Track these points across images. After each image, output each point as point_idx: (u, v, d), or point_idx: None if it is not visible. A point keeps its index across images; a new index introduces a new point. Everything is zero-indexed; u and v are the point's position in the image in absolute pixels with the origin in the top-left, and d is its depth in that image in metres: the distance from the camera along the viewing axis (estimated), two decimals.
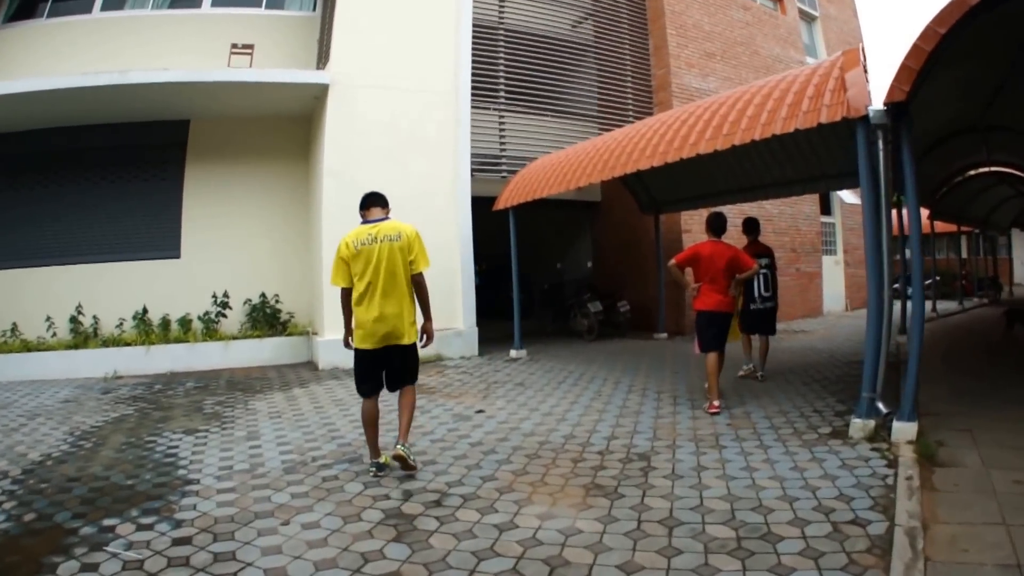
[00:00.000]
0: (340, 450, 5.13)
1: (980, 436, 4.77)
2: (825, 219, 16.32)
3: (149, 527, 3.66)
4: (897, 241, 7.75)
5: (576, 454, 4.86)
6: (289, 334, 10.07)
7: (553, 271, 15.10)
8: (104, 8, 10.25)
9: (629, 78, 12.74)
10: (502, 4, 11.29)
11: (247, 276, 10.20)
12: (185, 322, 9.83)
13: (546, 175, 9.03)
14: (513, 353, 9.95)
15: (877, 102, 4.76)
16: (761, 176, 9.55)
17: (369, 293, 4.41)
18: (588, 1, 12.44)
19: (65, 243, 9.82)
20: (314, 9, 11.05)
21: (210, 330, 9.82)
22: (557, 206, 12.83)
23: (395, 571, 3.09)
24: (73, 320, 9.50)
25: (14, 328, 9.36)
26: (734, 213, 10.32)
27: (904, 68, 4.50)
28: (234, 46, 9.75)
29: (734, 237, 7.26)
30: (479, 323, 10.36)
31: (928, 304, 13.41)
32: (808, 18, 16.78)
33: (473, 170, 10.43)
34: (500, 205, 10.17)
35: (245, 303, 10.14)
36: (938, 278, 17.10)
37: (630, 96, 12.70)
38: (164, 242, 10.04)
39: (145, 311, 9.73)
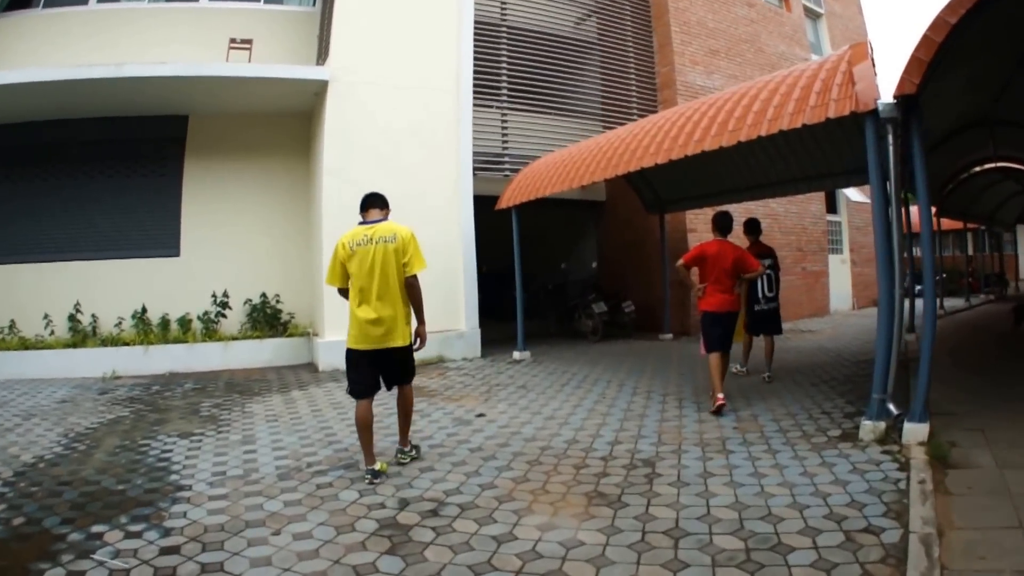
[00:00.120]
0: (336, 456, 5.01)
1: (992, 435, 4.65)
2: (831, 217, 16.21)
3: (137, 535, 3.57)
4: (905, 238, 7.67)
5: (579, 460, 4.72)
6: (290, 335, 9.95)
7: (557, 271, 14.98)
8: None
9: (633, 76, 12.60)
10: (504, 2, 11.15)
11: (247, 275, 10.09)
12: (184, 322, 9.72)
13: (549, 174, 8.91)
14: (516, 355, 9.82)
15: (885, 97, 4.66)
16: (767, 174, 9.44)
17: (364, 295, 4.42)
18: None
19: (63, 239, 9.71)
20: (314, 4, 10.95)
21: (210, 330, 9.71)
22: (561, 205, 12.79)
23: None
24: (72, 318, 9.40)
25: (12, 325, 9.28)
26: (740, 212, 10.22)
27: (914, 60, 4.40)
28: (232, 41, 9.63)
29: (735, 237, 7.15)
30: (482, 324, 10.24)
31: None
32: (813, 15, 16.63)
33: (475, 169, 10.32)
34: (502, 204, 10.05)
35: (245, 303, 10.03)
36: (944, 275, 17.03)
37: (634, 94, 12.56)
38: (163, 240, 9.93)
39: (144, 310, 9.63)
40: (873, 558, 3.01)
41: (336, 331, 8.51)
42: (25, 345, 9.07)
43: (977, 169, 12.88)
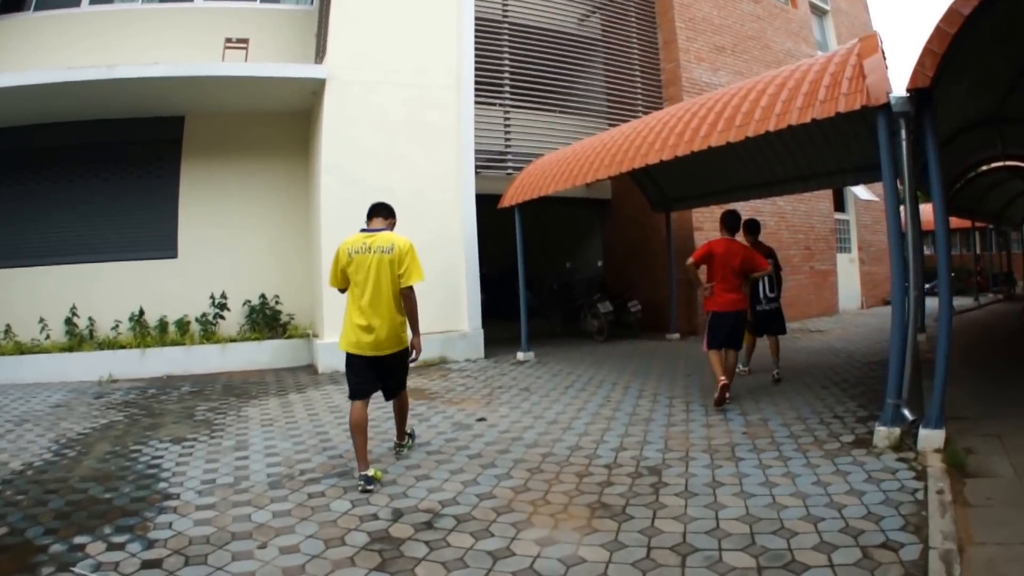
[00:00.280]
0: (330, 463, 4.84)
1: (1010, 442, 4.46)
2: (839, 216, 16.07)
3: (120, 546, 3.43)
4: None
5: (582, 468, 4.54)
6: (289, 336, 9.81)
7: (562, 270, 14.88)
8: (93, 1, 10.02)
9: (638, 73, 12.44)
10: None
11: (246, 276, 9.95)
12: (182, 324, 9.58)
13: (552, 172, 8.76)
14: (520, 355, 9.67)
15: (896, 91, 4.49)
16: (775, 171, 9.31)
17: (358, 301, 4.50)
18: None
19: (59, 242, 9.59)
20: (311, 3, 10.80)
21: (208, 332, 9.57)
22: (566, 204, 12.69)
23: None
24: (68, 322, 9.28)
25: (7, 330, 9.17)
26: (747, 210, 10.10)
27: (927, 52, 4.24)
28: (228, 40, 9.49)
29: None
30: (486, 324, 10.09)
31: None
32: (819, 12, 16.54)
33: (478, 167, 10.18)
34: (505, 202, 9.91)
35: (244, 304, 9.90)
36: (952, 274, 16.86)
37: (639, 91, 12.40)
38: (160, 241, 9.80)
39: (141, 312, 9.49)
40: None
41: (336, 333, 8.34)
42: (21, 349, 8.96)
43: (984, 168, 12.70)
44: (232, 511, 3.90)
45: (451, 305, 9.66)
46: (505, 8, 11.00)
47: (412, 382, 5.29)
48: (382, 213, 4.72)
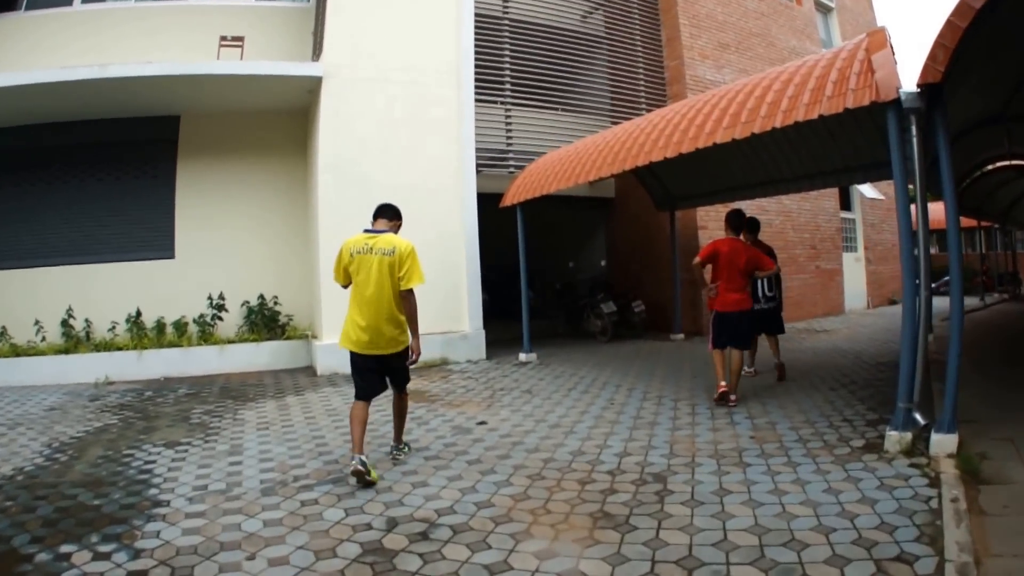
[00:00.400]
0: (325, 468, 4.71)
1: None
2: (845, 215, 15.95)
3: (106, 556, 3.34)
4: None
5: (584, 474, 4.40)
6: (288, 337, 9.68)
7: (565, 270, 14.76)
8: (85, 0, 9.91)
9: (641, 70, 12.30)
10: None
11: (244, 277, 9.83)
12: (180, 325, 9.45)
13: (555, 170, 8.63)
14: (522, 356, 9.54)
15: (905, 87, 4.38)
16: (780, 169, 9.17)
17: (358, 301, 4.58)
18: None
19: (55, 243, 9.48)
20: (308, 0, 10.68)
21: (206, 333, 9.46)
22: (569, 203, 12.60)
23: None
24: (64, 323, 9.17)
25: (3, 332, 9.06)
26: (753, 209, 10.02)
27: (938, 46, 4.12)
28: (223, 38, 9.37)
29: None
30: (488, 324, 9.97)
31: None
32: (824, 9, 16.40)
33: (479, 165, 10.05)
34: (507, 201, 9.78)
35: (243, 305, 9.78)
36: None
37: (643, 89, 12.26)
38: (157, 242, 9.68)
39: (139, 314, 9.38)
40: None
41: (335, 334, 8.23)
42: (17, 352, 8.85)
43: (990, 167, 12.56)
44: (222, 519, 3.79)
45: (452, 305, 9.53)
46: (505, 4, 10.86)
47: (412, 384, 5.17)
48: (387, 214, 4.79)
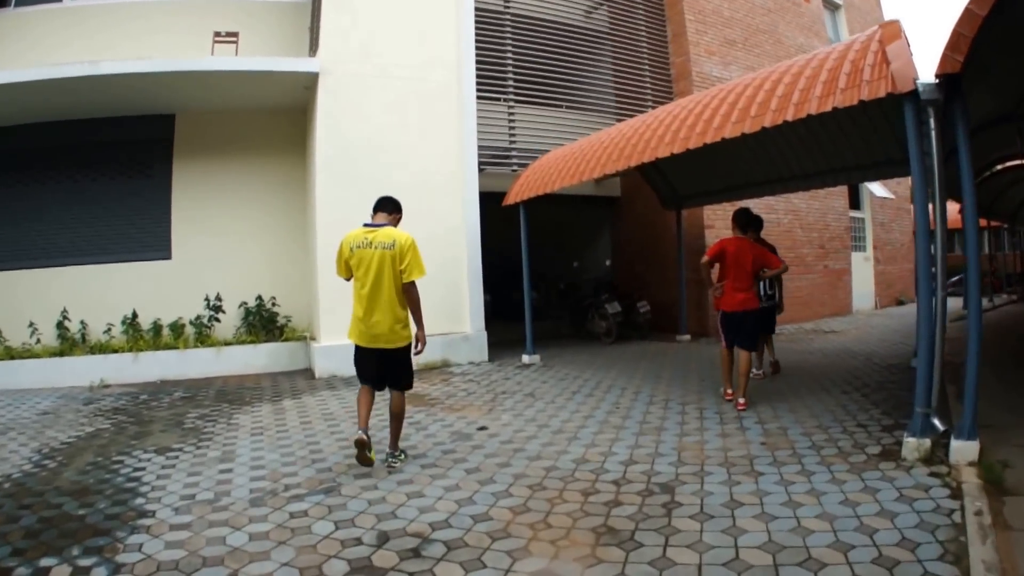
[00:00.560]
0: (318, 477, 4.53)
1: None
2: (854, 214, 15.70)
3: (86, 570, 3.19)
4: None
5: (587, 484, 4.20)
6: (286, 339, 9.51)
7: (570, 270, 14.58)
8: None
9: (647, 67, 12.11)
10: None
11: (242, 277, 9.67)
12: (176, 327, 9.30)
13: (559, 168, 8.44)
14: (525, 358, 9.36)
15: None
16: (790, 166, 9.00)
17: (359, 295, 4.61)
18: None
19: (49, 245, 9.34)
20: None
21: (202, 335, 9.29)
22: (574, 202, 12.45)
23: None
24: (59, 326, 9.02)
25: None
26: (760, 207, 9.85)
27: (956, 35, 3.93)
28: (217, 34, 9.20)
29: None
30: (490, 326, 9.80)
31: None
32: (832, 7, 16.22)
33: (481, 163, 9.87)
34: (510, 200, 9.59)
35: (240, 306, 9.62)
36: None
37: (648, 86, 12.07)
38: (153, 243, 9.53)
39: (134, 316, 9.22)
40: None
41: (333, 335, 8.12)
42: (11, 354, 8.70)
43: (999, 167, 12.34)
44: (207, 532, 3.61)
45: (453, 307, 9.35)
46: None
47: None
48: (387, 208, 4.80)
